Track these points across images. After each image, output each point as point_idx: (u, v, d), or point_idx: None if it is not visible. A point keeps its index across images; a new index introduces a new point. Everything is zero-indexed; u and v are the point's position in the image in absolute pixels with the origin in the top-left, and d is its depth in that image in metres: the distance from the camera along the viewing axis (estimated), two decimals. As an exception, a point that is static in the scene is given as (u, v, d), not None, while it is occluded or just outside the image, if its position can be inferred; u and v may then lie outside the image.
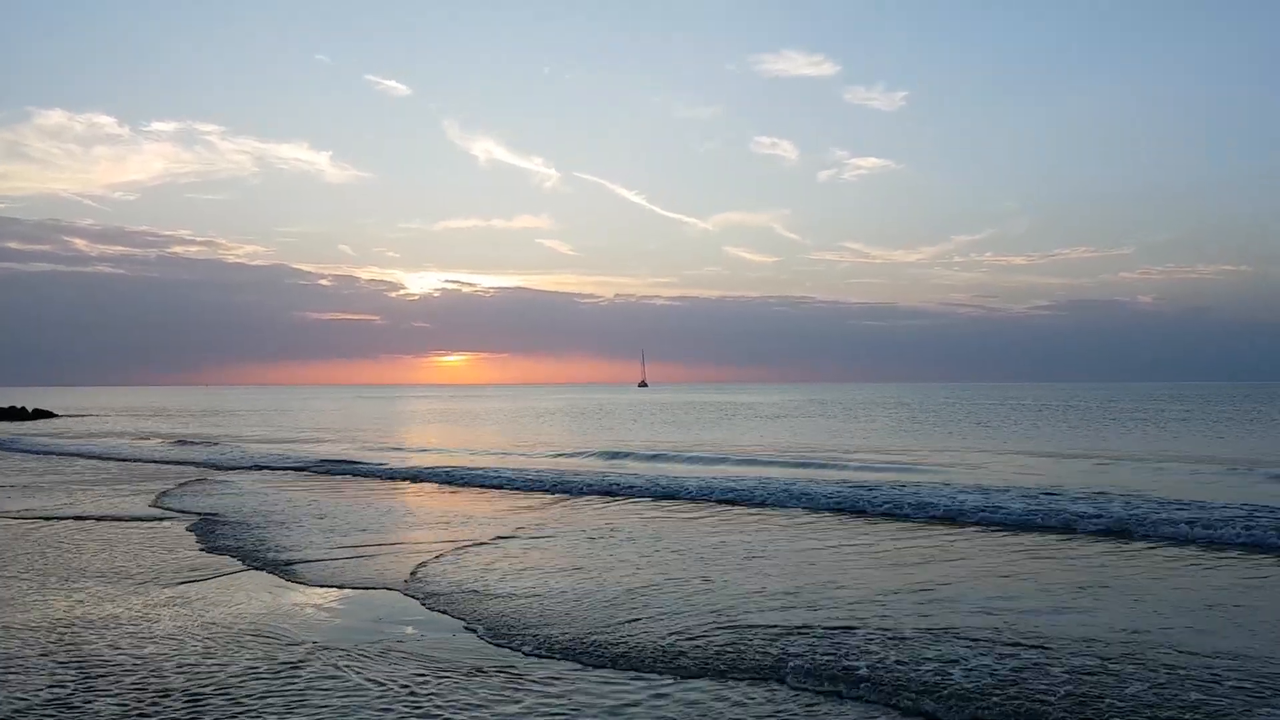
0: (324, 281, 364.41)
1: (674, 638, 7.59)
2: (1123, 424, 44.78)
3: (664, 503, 17.20)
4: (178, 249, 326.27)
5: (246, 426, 51.90)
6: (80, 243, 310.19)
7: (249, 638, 7.67)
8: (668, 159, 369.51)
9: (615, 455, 28.03)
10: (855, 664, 6.82)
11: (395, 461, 26.46)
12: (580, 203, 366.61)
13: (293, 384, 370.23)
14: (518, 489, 19.76)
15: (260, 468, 25.45)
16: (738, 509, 16.07)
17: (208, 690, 6.26)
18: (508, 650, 7.36)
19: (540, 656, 7.19)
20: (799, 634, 7.61)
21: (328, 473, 23.75)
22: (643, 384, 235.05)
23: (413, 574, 10.42)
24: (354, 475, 23.16)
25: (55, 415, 67.18)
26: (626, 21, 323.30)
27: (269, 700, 6.05)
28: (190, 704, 5.96)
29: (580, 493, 18.77)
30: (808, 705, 6.06)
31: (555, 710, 5.93)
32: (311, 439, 39.26)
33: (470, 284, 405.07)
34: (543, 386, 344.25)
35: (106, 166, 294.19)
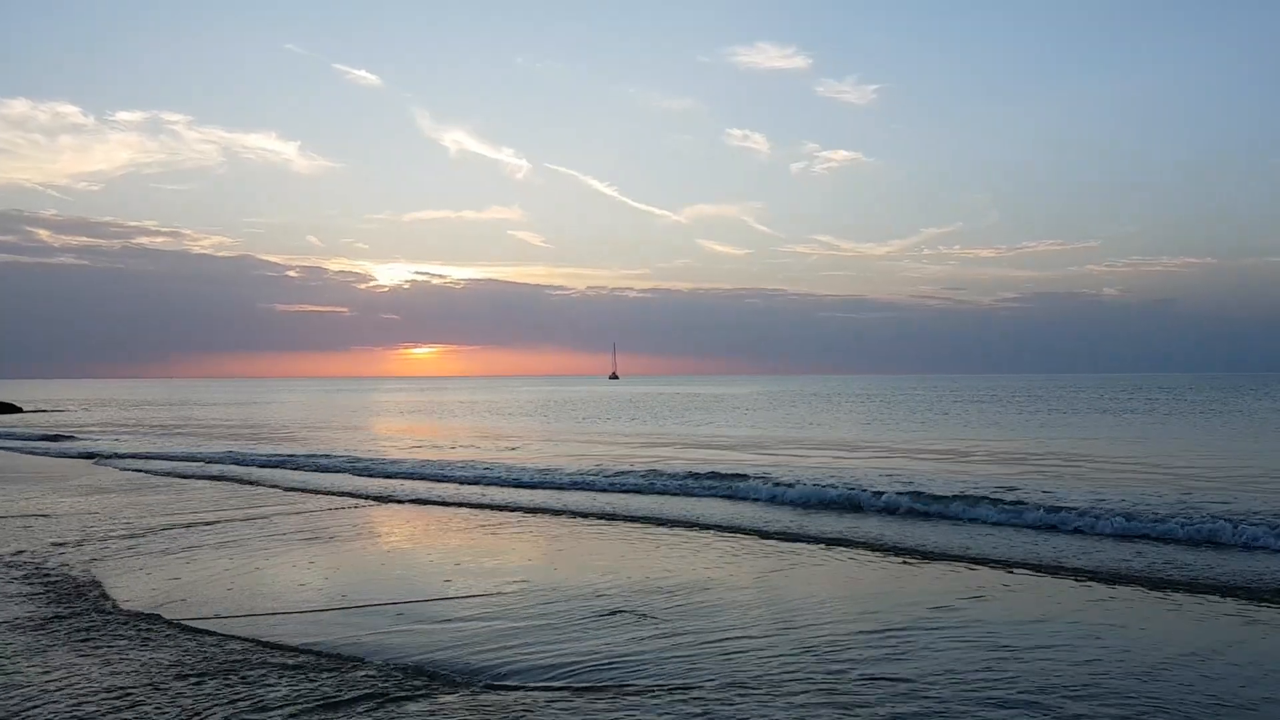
0: (291, 273, 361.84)
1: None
2: (1044, 415, 45.11)
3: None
4: (143, 240, 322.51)
5: (267, 423, 51.08)
6: (43, 234, 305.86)
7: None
8: (640, 151, 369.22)
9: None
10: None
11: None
12: (552, 194, 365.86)
13: (261, 376, 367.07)
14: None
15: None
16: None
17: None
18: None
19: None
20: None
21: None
22: (614, 376, 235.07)
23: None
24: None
25: (20, 409, 65.88)
26: (600, 13, 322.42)
27: None
28: None
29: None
30: None
31: None
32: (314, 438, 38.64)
33: (440, 275, 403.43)
34: (514, 379, 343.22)
35: (70, 157, 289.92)
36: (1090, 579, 10.24)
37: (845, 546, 12.33)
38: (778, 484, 17.74)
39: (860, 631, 7.97)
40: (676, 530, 13.84)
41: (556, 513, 15.76)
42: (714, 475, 19.65)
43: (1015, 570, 10.76)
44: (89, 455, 28.84)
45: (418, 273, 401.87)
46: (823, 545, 12.44)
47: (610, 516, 15.28)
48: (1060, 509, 14.19)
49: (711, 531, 13.66)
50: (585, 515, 15.42)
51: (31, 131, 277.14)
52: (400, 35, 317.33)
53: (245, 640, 7.79)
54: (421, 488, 19.55)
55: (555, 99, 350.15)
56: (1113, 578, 10.29)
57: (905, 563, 11.24)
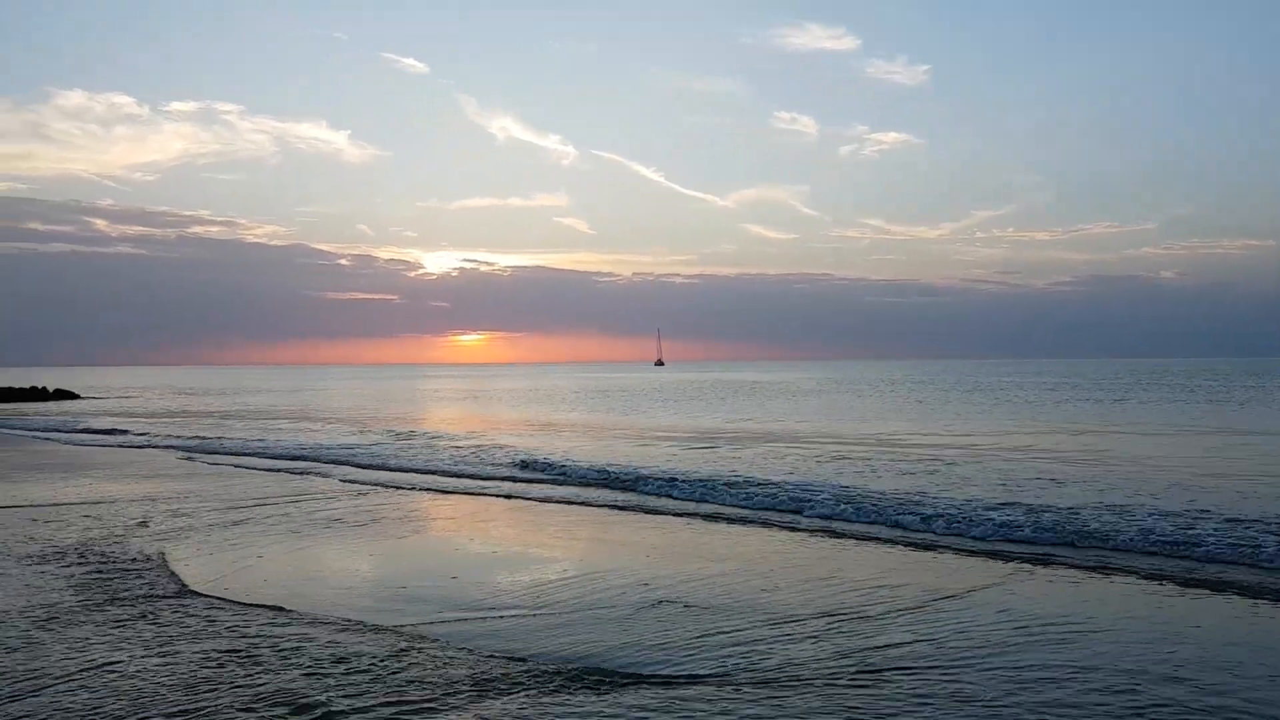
0: (343, 261, 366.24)
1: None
2: (1088, 404, 44.28)
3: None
4: (197, 229, 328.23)
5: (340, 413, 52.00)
6: (101, 223, 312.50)
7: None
8: (686, 136, 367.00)
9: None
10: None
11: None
12: (598, 180, 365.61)
13: (312, 363, 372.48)
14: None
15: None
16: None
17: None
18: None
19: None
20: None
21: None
22: (659, 363, 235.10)
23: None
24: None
25: (77, 396, 67.69)
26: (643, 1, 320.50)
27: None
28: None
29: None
30: None
31: None
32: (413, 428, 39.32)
33: (488, 263, 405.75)
34: (559, 365, 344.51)
35: (126, 147, 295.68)
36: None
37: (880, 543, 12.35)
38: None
39: (915, 642, 8.02)
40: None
41: (603, 505, 15.91)
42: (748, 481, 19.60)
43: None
44: (143, 444, 29.56)
45: (465, 260, 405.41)
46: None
47: (655, 511, 15.40)
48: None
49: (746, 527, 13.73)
50: (642, 510, 15.56)
51: (88, 122, 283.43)
52: (447, 23, 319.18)
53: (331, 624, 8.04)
54: (470, 482, 19.78)
55: (601, 85, 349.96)
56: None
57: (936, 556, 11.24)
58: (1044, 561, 10.67)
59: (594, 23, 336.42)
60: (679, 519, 14.06)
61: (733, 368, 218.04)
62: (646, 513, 14.72)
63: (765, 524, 13.48)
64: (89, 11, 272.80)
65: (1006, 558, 10.92)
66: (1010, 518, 12.96)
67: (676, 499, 15.72)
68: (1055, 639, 7.53)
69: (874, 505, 14.29)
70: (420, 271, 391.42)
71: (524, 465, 20.82)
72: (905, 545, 11.78)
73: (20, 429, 36.12)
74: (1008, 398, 54.48)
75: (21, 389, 67.54)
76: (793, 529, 13.05)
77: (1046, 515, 13.11)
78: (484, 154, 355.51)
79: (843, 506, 14.24)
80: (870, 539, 12.23)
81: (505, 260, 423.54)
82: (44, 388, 69.66)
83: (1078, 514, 13.19)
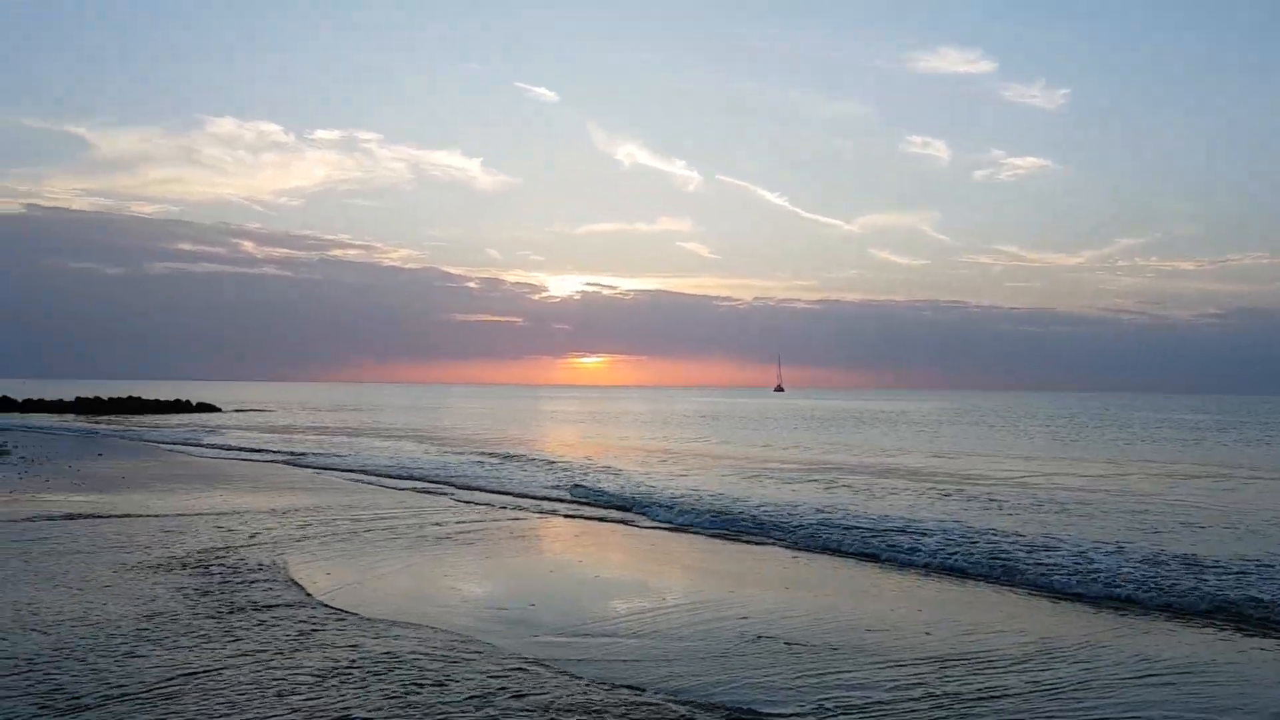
0: (471, 284, 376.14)
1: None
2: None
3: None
4: (337, 252, 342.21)
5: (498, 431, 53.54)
6: (248, 245, 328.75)
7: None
8: (812, 160, 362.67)
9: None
10: None
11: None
12: (722, 205, 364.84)
13: (441, 382, 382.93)
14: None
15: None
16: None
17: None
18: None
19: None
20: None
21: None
22: (779, 388, 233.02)
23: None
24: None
25: (219, 409, 71.20)
26: (771, 21, 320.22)
27: None
28: None
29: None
30: None
31: None
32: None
33: (610, 286, 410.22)
34: (679, 389, 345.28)
35: (273, 173, 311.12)
36: None
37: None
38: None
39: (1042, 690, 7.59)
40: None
41: (701, 533, 15.72)
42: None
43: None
44: (275, 458, 30.75)
45: (588, 283, 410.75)
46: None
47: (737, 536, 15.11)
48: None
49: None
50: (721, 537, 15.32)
51: (238, 149, 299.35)
52: (579, 52, 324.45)
53: (447, 634, 8.12)
54: (576, 506, 19.83)
55: (727, 110, 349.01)
56: None
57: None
58: (1178, 614, 9.96)
59: (722, 50, 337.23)
60: (783, 550, 13.78)
61: (855, 395, 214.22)
62: (745, 543, 14.46)
63: (875, 560, 13.05)
64: (241, 43, 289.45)
65: (1136, 609, 10.25)
66: (1144, 568, 12.17)
67: (778, 531, 15.35)
68: (1183, 697, 6.99)
69: (991, 544, 13.66)
70: (544, 294, 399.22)
71: (627, 498, 20.73)
72: (1025, 590, 11.19)
73: (162, 441, 38.12)
74: (1149, 434, 51.74)
75: (167, 401, 71.50)
76: (904, 566, 12.58)
77: (1184, 565, 12.26)
78: (610, 180, 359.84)
79: (958, 546, 13.62)
80: (987, 579, 11.68)
81: (627, 284, 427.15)
82: (188, 400, 73.56)
83: (1220, 566, 12.30)
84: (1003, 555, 12.92)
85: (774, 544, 14.26)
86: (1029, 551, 13.11)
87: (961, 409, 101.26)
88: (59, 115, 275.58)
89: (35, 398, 68.61)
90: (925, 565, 12.57)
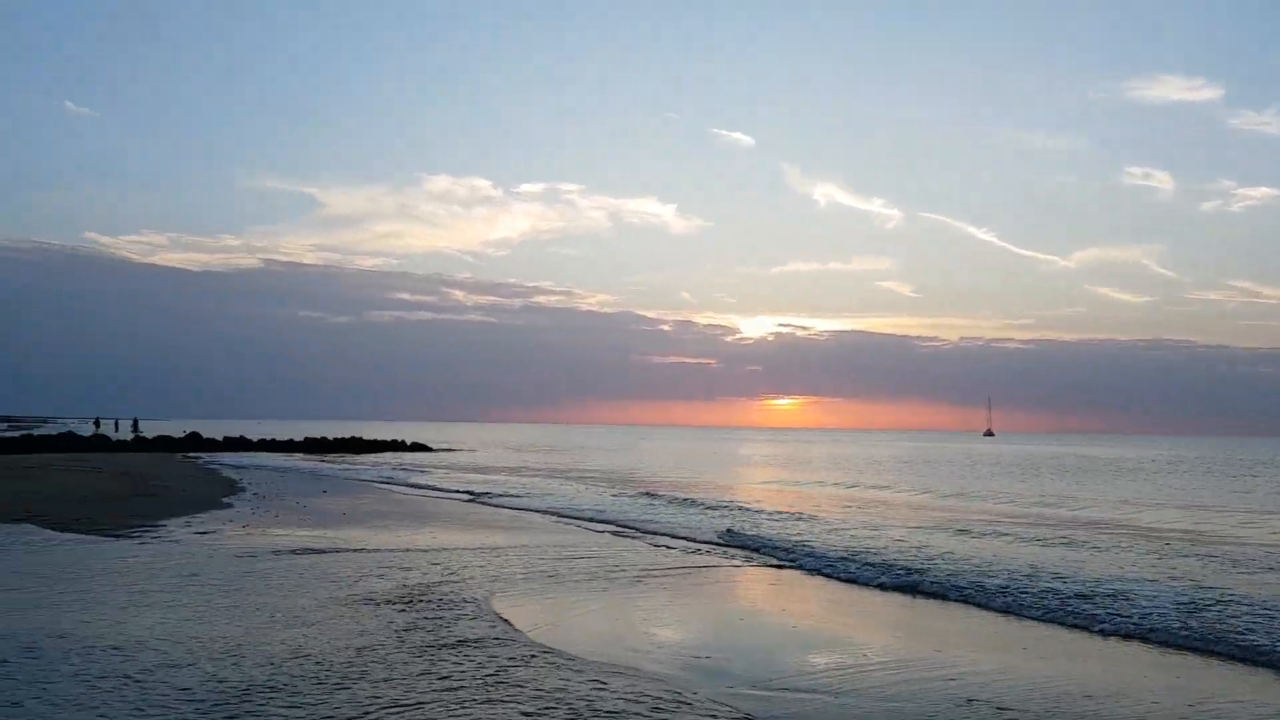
0: (665, 326, 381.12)
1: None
2: None
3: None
4: (539, 298, 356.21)
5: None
6: (458, 294, 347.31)
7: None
8: (1022, 194, 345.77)
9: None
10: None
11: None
12: (924, 243, 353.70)
13: (637, 423, 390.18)
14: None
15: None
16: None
17: None
18: None
19: None
20: None
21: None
22: (988, 433, 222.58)
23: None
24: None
25: (430, 448, 74.98)
26: (976, 53, 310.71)
27: None
28: None
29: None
30: None
31: None
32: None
33: (804, 327, 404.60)
34: (878, 433, 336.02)
35: (482, 225, 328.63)
36: None
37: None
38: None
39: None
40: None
41: (901, 591, 15.04)
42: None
43: None
44: (482, 500, 31.92)
45: (782, 324, 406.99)
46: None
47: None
48: None
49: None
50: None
51: (451, 204, 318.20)
52: (776, 96, 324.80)
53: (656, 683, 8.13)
54: (770, 555, 19.48)
55: (928, 145, 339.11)
56: None
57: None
58: None
59: (922, 85, 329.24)
60: (987, 612, 12.90)
61: (1072, 440, 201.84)
62: (946, 600, 13.66)
63: (1090, 626, 11.97)
64: (455, 108, 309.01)
65: None
66: None
67: (981, 591, 14.36)
68: None
69: (1221, 610, 12.35)
70: (737, 336, 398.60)
71: (818, 549, 20.15)
72: (1271, 671, 9.94)
73: (378, 480, 40.37)
74: None
75: (384, 441, 76.06)
76: (1126, 638, 11.47)
77: None
78: (804, 220, 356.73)
79: (1191, 614, 12.33)
80: (1222, 656, 10.52)
81: (822, 324, 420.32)
82: (402, 440, 77.94)
83: None
84: (1235, 626, 11.63)
85: (978, 606, 13.36)
86: (1270, 619, 11.77)
87: (1194, 456, 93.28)
88: (295, 177, 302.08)
89: (268, 438, 74.36)
90: (1150, 630, 11.48)
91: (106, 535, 17.74)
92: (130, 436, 72.44)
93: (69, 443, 58.38)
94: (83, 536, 17.41)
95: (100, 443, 60.88)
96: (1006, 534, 21.90)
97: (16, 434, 68.88)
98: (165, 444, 63.57)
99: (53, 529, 18.30)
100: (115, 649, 8.97)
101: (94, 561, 14.55)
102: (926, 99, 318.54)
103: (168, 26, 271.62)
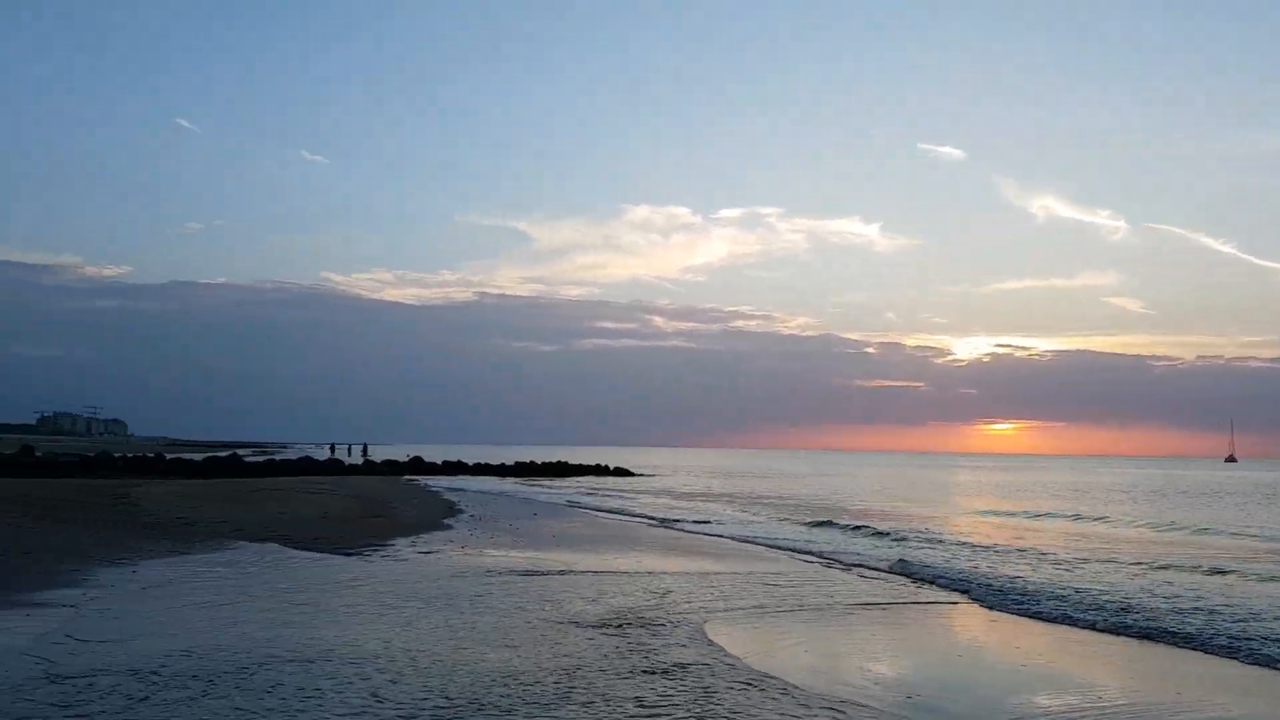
0: (870, 349, 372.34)
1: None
2: None
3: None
4: (739, 323, 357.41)
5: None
6: (658, 320, 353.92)
7: None
8: (1264, 201, 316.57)
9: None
10: None
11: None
12: (1154, 255, 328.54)
13: (838, 449, 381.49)
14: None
15: None
16: None
17: None
18: None
19: None
20: None
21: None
22: (1230, 458, 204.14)
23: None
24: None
25: (632, 473, 76.30)
26: (1198, 54, 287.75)
27: None
28: None
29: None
30: None
31: None
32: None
33: (1024, 348, 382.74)
34: (1105, 459, 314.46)
35: (681, 252, 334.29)
36: None
37: None
38: None
39: None
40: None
41: (1123, 634, 13.91)
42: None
43: None
44: (685, 527, 32.10)
45: (998, 345, 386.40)
46: None
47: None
48: None
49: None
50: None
51: (650, 233, 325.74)
52: (989, 106, 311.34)
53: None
54: (978, 590, 18.54)
55: (1156, 152, 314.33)
56: None
57: None
58: None
59: (1141, 91, 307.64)
60: (1229, 661, 11.69)
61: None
62: (1180, 647, 12.29)
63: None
64: (654, 139, 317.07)
65: None
66: None
67: (1220, 636, 12.99)
68: None
69: None
70: (949, 358, 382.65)
71: (1021, 584, 18.99)
72: None
73: (584, 504, 41.38)
74: None
75: (589, 465, 78.09)
76: None
77: None
78: (1021, 235, 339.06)
79: None
80: None
81: (1044, 344, 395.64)
82: (606, 465, 79.74)
83: None
84: None
85: (1219, 654, 12.10)
86: None
87: None
88: (506, 214, 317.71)
89: (483, 461, 77.84)
90: None
91: (339, 553, 19.05)
92: (361, 460, 77.51)
93: (306, 466, 63.35)
94: (317, 555, 18.75)
95: (334, 466, 65.54)
96: (1259, 572, 19.91)
97: (261, 459, 75.22)
98: (391, 468, 67.85)
99: (294, 547, 19.82)
100: (351, 663, 9.54)
101: (332, 575, 15.72)
102: (1146, 104, 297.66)
103: (391, 79, 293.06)
